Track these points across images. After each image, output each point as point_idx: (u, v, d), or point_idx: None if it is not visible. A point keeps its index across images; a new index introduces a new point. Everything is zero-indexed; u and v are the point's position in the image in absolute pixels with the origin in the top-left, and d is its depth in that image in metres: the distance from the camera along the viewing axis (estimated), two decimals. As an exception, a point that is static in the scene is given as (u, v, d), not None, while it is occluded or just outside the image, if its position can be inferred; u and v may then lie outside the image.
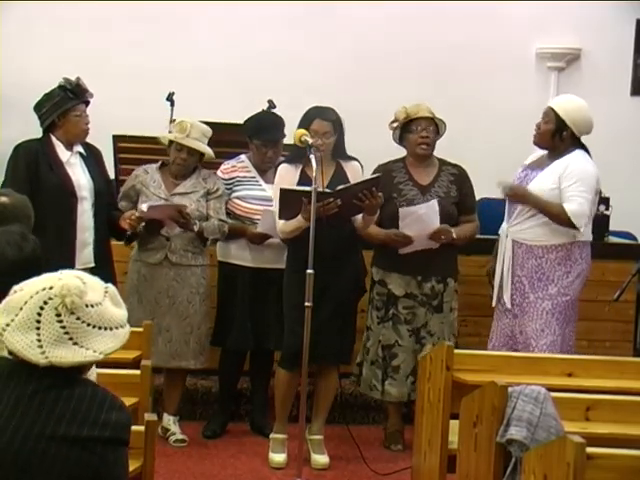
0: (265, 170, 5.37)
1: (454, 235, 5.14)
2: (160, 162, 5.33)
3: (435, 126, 5.24)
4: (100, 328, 2.22)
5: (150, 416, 3.18)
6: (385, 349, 5.25)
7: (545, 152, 5.10)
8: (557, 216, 4.90)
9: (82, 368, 2.27)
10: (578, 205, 4.86)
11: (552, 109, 4.99)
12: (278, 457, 5.08)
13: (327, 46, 7.47)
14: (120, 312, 2.30)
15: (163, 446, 5.04)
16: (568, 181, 4.89)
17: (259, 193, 5.33)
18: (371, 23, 7.52)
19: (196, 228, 5.13)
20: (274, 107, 6.11)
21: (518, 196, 5.01)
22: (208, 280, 5.33)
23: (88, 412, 2.20)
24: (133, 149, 5.38)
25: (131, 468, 3.10)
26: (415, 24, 7.51)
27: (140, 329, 4.33)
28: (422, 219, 5.08)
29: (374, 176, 4.99)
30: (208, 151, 5.21)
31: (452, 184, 5.27)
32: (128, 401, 3.75)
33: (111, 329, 2.25)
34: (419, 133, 5.19)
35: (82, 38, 7.26)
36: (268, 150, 5.32)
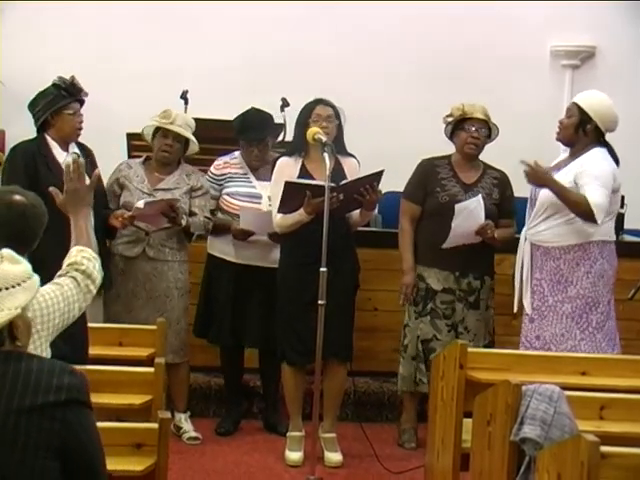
0: (256, 167, 5.38)
1: (495, 234, 5.14)
2: (144, 157, 5.34)
3: (488, 129, 5.25)
4: (7, 289, 2.29)
5: (163, 414, 3.19)
6: (423, 343, 5.25)
7: (567, 154, 5.01)
8: (577, 204, 4.73)
9: (14, 332, 2.31)
10: (599, 197, 4.70)
11: (575, 103, 4.91)
12: (294, 455, 5.08)
13: (341, 45, 7.46)
14: (21, 267, 2.37)
15: (176, 443, 5.04)
16: (584, 178, 4.76)
17: (248, 190, 5.33)
18: (386, 24, 7.51)
19: (184, 223, 5.15)
20: (287, 105, 6.11)
21: (538, 177, 4.83)
22: (187, 276, 5.32)
23: (38, 381, 2.23)
24: (147, 147, 5.37)
25: (145, 465, 3.13)
26: (430, 24, 7.51)
27: (153, 327, 4.34)
28: (472, 214, 5.08)
29: (377, 171, 4.97)
30: (193, 139, 5.20)
31: (495, 187, 5.28)
32: (142, 399, 3.78)
33: (19, 284, 2.32)
34: (471, 133, 5.20)
35: (97, 37, 7.28)
36: (254, 149, 5.32)
